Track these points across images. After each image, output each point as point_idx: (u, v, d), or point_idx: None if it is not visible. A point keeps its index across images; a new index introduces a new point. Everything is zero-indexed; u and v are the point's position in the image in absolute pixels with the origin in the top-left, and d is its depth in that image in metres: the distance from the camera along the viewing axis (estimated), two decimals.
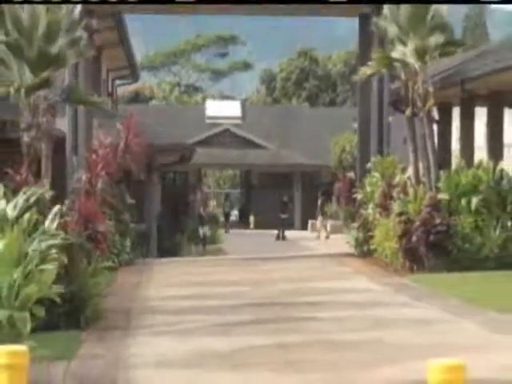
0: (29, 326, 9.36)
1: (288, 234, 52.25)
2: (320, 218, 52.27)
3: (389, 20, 26.22)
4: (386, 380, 11.24)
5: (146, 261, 29.89)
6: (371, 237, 27.42)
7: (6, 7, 18.03)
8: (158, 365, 12.60)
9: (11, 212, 12.30)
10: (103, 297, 18.33)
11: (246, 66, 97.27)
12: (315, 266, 27.72)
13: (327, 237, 50.43)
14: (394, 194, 26.20)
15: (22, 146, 17.94)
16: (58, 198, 16.72)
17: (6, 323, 8.88)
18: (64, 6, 18.53)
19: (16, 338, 8.61)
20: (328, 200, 53.60)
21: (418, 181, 25.90)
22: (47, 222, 13.75)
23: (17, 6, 18.16)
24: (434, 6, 25.85)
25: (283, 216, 52.98)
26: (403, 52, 25.92)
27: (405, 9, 25.79)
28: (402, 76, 26.98)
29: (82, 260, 17.27)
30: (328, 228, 51.51)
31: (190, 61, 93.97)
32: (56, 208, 15.05)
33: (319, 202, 53.11)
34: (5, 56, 18.07)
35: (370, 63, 28.06)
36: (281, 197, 54.85)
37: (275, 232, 51.72)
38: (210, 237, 48.34)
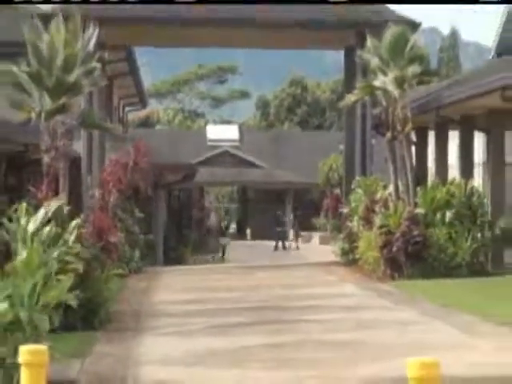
0: (48, 328, 9.34)
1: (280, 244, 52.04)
2: (292, 231, 53.02)
3: (371, 52, 26.30)
4: (370, 376, 11.24)
5: (153, 269, 29.84)
6: (356, 247, 27.44)
7: (28, 41, 18.06)
8: (164, 362, 12.59)
9: (32, 225, 12.29)
10: (115, 301, 18.35)
11: (243, 94, 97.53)
12: (306, 274, 27.74)
13: (297, 247, 51.25)
14: (376, 209, 26.22)
15: (43, 166, 17.95)
16: (74, 213, 16.73)
17: (28, 325, 8.87)
18: (80, 41, 18.55)
19: (36, 339, 8.60)
20: (302, 215, 54.32)
21: (398, 197, 25.93)
22: (65, 235, 13.76)
23: (38, 38, 18.17)
24: (412, 40, 25.94)
25: (279, 229, 52.92)
26: (384, 81, 25.99)
27: (385, 42, 25.88)
28: (383, 102, 27.05)
29: (96, 268, 17.27)
30: (299, 240, 52.38)
31: (192, 89, 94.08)
32: (74, 222, 15.07)
33: (293, 216, 53.78)
34: (27, 85, 18.10)
35: (354, 91, 28.15)
36: (276, 211, 54.85)
37: (270, 243, 51.50)
38: (210, 246, 48.33)
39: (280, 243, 51.19)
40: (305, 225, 57.58)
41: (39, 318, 9.06)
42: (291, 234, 54.80)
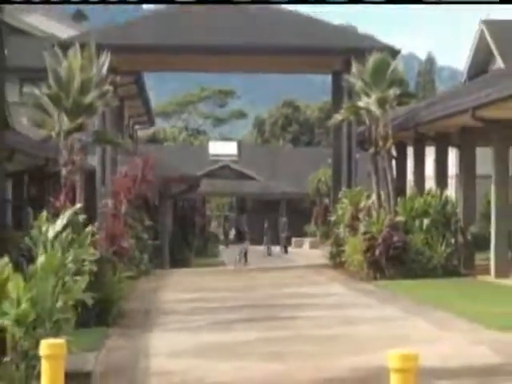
0: (68, 325, 9.35)
1: (273, 249, 51.87)
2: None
3: (356, 76, 26.36)
4: (355, 367, 11.23)
5: (160, 271, 29.83)
6: (342, 251, 27.43)
7: (48, 67, 18.09)
8: (171, 355, 12.58)
9: (51, 232, 12.29)
10: (126, 300, 18.34)
11: (241, 114, 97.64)
12: (297, 275, 27.70)
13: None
14: (361, 217, 26.25)
15: (61, 178, 17.97)
16: (89, 220, 16.73)
17: (48, 322, 8.87)
18: (94, 66, 18.59)
19: (56, 334, 8.59)
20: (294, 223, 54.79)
21: (380, 206, 25.95)
22: (81, 240, 13.75)
23: (57, 64, 18.19)
24: (393, 66, 26.00)
25: (283, 234, 53.07)
26: (367, 102, 26.04)
27: (369, 67, 25.94)
28: (367, 121, 27.11)
29: (109, 270, 17.27)
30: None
31: (196, 109, 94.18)
32: (88, 228, 15.06)
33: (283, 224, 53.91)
34: (47, 106, 18.14)
35: (341, 111, 28.21)
36: (281, 218, 55.12)
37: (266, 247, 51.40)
38: (212, 250, 48.31)
39: (266, 249, 51.05)
40: (297, 231, 57.70)
41: (59, 316, 9.06)
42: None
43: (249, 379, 10.71)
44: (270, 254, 49.97)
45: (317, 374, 10.88)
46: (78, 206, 16.84)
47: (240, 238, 63.28)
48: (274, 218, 57.22)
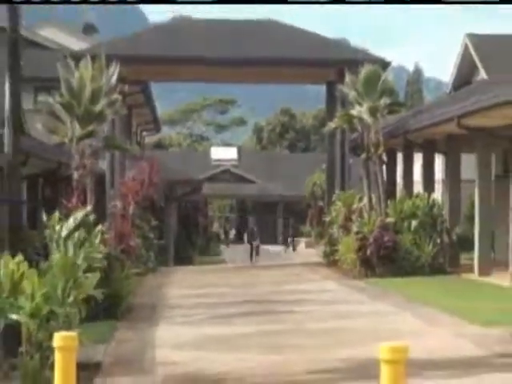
0: (78, 318, 9.36)
1: (270, 248, 51.92)
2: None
3: (349, 86, 26.37)
4: (347, 358, 11.25)
5: (165, 268, 29.85)
6: (336, 250, 27.44)
7: (61, 77, 18.10)
8: (175, 346, 12.59)
9: (64, 231, 12.30)
10: (134, 295, 18.35)
11: (241, 122, 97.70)
12: (294, 273, 27.70)
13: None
14: (353, 218, 26.26)
15: (73, 181, 17.97)
16: (99, 221, 16.74)
17: (61, 315, 8.88)
18: (104, 76, 18.59)
19: (68, 327, 8.61)
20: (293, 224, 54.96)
21: (371, 208, 25.97)
22: (92, 239, 13.75)
23: (69, 75, 18.20)
24: (383, 77, 26.02)
25: (290, 236, 53.50)
26: (360, 111, 26.06)
27: (361, 78, 25.97)
28: (359, 129, 27.13)
29: (118, 267, 17.28)
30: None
31: (199, 117, 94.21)
32: (98, 228, 15.06)
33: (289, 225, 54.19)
34: (60, 113, 18.15)
35: (334, 119, 28.23)
36: (287, 219, 55.40)
37: (264, 246, 51.38)
38: (213, 249, 48.31)
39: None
40: (293, 232, 57.75)
41: (71, 310, 9.07)
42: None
43: (248, 370, 10.71)
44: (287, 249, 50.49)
45: (313, 364, 10.89)
46: (89, 207, 16.86)
47: (240, 237, 63.45)
48: (271, 219, 57.24)
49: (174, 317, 16.12)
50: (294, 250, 52.05)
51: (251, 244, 44.33)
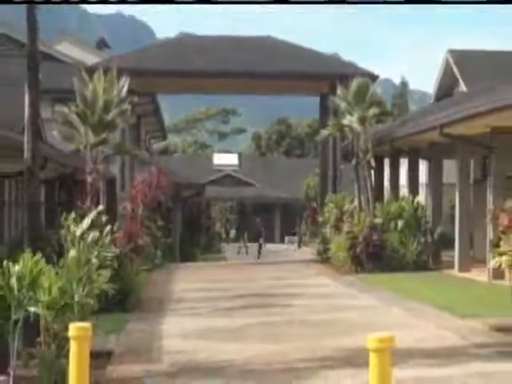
0: (91, 311, 9.35)
1: (274, 247, 51.91)
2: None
3: (340, 98, 26.41)
4: (339, 347, 11.25)
5: (171, 265, 29.81)
6: (328, 248, 27.44)
7: (76, 89, 18.09)
8: (181, 336, 12.59)
9: (79, 231, 12.29)
10: (143, 290, 18.34)
11: (241, 130, 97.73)
12: (290, 268, 27.71)
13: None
14: (344, 219, 26.28)
15: (87, 184, 17.97)
16: (110, 221, 16.71)
17: (76, 308, 8.88)
18: (115, 88, 18.57)
19: (82, 318, 8.60)
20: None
21: (361, 209, 25.99)
22: (103, 238, 13.73)
23: (84, 87, 18.19)
24: (372, 89, 26.03)
25: (298, 231, 53.86)
26: (350, 120, 26.10)
27: (351, 90, 26.00)
28: (350, 136, 27.16)
29: (128, 264, 17.27)
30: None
31: (203, 126, 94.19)
32: (108, 227, 15.04)
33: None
34: (75, 122, 18.14)
35: (327, 128, 28.25)
36: (293, 217, 55.50)
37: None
38: (215, 247, 48.21)
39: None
40: (290, 231, 57.81)
41: (84, 303, 9.06)
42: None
43: (249, 357, 10.72)
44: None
45: (308, 353, 10.90)
46: (101, 208, 16.84)
47: (239, 236, 63.39)
48: (269, 220, 57.26)
49: (180, 309, 16.12)
50: (299, 247, 52.07)
51: (259, 242, 44.87)
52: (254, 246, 47.49)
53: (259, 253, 43.19)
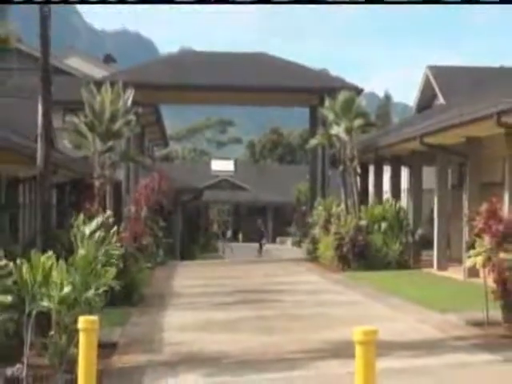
0: (98, 305, 9.34)
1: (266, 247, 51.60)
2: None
3: (328, 110, 26.44)
4: (327, 339, 11.26)
5: (172, 263, 29.79)
6: (317, 248, 27.47)
7: (86, 100, 18.08)
8: (181, 329, 12.59)
9: (87, 231, 12.27)
10: (146, 286, 18.32)
11: (237, 139, 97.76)
12: (282, 266, 27.71)
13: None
14: (332, 221, 26.29)
15: (95, 188, 17.95)
16: (117, 222, 16.70)
17: (84, 302, 8.87)
18: (121, 100, 18.54)
19: (90, 312, 8.59)
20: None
21: (348, 212, 26.01)
22: (110, 237, 13.71)
23: (92, 98, 18.17)
24: (357, 101, 26.06)
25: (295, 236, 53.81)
26: (338, 130, 26.13)
27: (338, 102, 26.03)
28: (337, 145, 27.18)
29: (132, 262, 17.24)
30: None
31: (202, 135, 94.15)
32: (115, 228, 15.03)
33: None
34: (84, 131, 18.13)
35: (316, 137, 28.28)
36: (284, 219, 55.27)
37: (256, 244, 51.12)
38: (213, 246, 48.17)
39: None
40: (282, 232, 57.81)
41: (92, 298, 9.05)
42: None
43: (243, 348, 10.72)
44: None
45: (298, 345, 10.91)
46: (109, 211, 16.83)
47: (235, 237, 63.34)
48: (263, 222, 57.19)
49: (180, 304, 16.12)
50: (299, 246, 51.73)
51: (260, 242, 44.86)
52: (253, 246, 47.53)
53: (260, 251, 43.14)
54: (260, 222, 51.93)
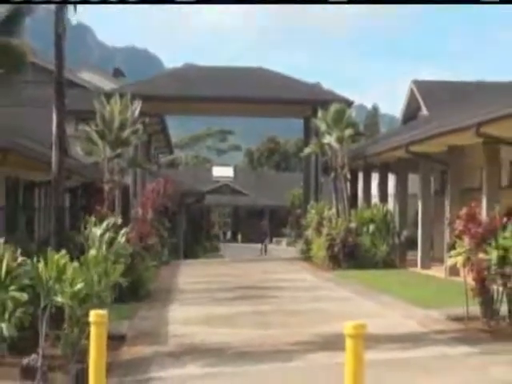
0: (108, 300, 9.34)
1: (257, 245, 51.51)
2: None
3: (321, 120, 26.46)
4: (320, 332, 11.27)
5: (176, 262, 29.75)
6: (310, 248, 27.45)
7: (97, 110, 18.07)
8: (184, 322, 12.58)
9: (98, 232, 12.27)
10: (152, 282, 18.30)
11: (237, 147, 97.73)
12: (277, 265, 27.71)
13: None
14: (324, 223, 26.29)
15: (104, 192, 17.94)
16: (124, 224, 16.68)
17: (95, 298, 8.87)
18: (129, 110, 18.53)
19: (100, 306, 8.59)
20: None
21: (338, 215, 26.01)
22: (119, 238, 13.71)
23: (103, 109, 18.17)
24: (348, 113, 26.09)
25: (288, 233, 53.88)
26: (329, 139, 26.15)
27: (330, 114, 26.06)
28: (329, 153, 27.19)
29: (139, 260, 17.23)
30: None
31: (204, 143, 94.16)
32: (123, 230, 15.02)
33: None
34: (95, 139, 18.13)
35: (310, 146, 28.29)
36: (280, 221, 55.30)
37: (254, 245, 51.05)
38: (214, 246, 48.13)
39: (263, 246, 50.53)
40: (277, 233, 57.80)
41: (102, 293, 9.05)
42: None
43: (242, 340, 10.72)
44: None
45: (294, 337, 10.91)
46: (117, 213, 16.83)
47: (234, 238, 63.26)
48: (260, 223, 57.11)
49: (184, 299, 16.11)
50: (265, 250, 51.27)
51: (264, 243, 44.82)
52: (252, 246, 47.49)
53: (264, 251, 43.12)
54: (265, 224, 51.86)
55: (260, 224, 51.74)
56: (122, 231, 14.58)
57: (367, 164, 28.93)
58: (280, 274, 22.91)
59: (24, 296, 8.57)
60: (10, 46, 13.01)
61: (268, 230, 47.37)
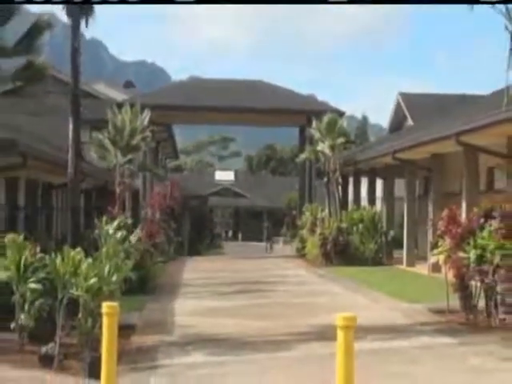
0: (118, 293, 9.35)
1: (262, 244, 51.52)
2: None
3: (315, 129, 26.49)
4: (314, 323, 11.26)
5: (182, 258, 29.74)
6: (305, 246, 27.47)
7: (109, 119, 18.08)
8: (189, 313, 12.58)
9: (110, 230, 12.27)
10: (159, 277, 18.30)
11: (237, 153, 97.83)
12: (275, 261, 27.71)
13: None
14: (318, 223, 26.31)
15: (116, 194, 17.95)
16: (135, 223, 16.71)
17: (107, 291, 8.88)
18: (139, 119, 18.53)
19: (112, 298, 8.60)
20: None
21: (331, 216, 26.03)
22: (129, 237, 13.72)
23: (115, 118, 18.17)
24: (340, 123, 26.11)
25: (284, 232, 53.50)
26: (323, 147, 26.17)
27: (323, 123, 26.10)
28: (322, 160, 27.21)
29: (148, 257, 17.23)
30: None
31: (207, 149, 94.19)
32: (138, 230, 15.07)
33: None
34: (107, 146, 18.14)
35: (304, 153, 28.31)
36: (277, 222, 54.98)
37: (253, 243, 50.95)
38: (216, 244, 48.03)
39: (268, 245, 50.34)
40: (274, 232, 57.67)
41: (114, 287, 9.05)
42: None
43: (242, 331, 10.72)
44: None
45: (290, 328, 10.91)
46: (128, 214, 16.84)
47: (235, 236, 63.14)
48: (258, 224, 57.22)
49: (189, 293, 16.11)
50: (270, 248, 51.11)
51: (268, 241, 44.79)
52: (252, 244, 47.33)
53: (270, 248, 43.25)
54: (269, 226, 51.89)
55: (264, 225, 51.83)
56: (136, 232, 14.63)
57: (357, 169, 28.96)
58: (277, 270, 22.91)
59: (40, 286, 8.61)
60: (31, 61, 13.03)
61: (271, 231, 47.50)
